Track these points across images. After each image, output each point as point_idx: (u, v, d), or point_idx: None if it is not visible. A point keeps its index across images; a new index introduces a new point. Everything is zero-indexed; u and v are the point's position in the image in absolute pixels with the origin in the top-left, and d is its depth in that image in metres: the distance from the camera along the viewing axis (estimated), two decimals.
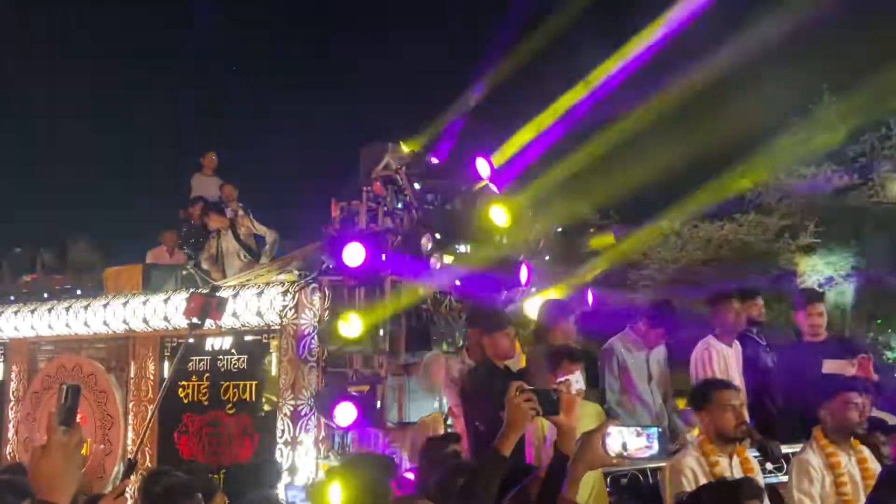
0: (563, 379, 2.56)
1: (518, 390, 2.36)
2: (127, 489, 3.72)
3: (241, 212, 8.40)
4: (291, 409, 5.83)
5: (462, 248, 6.67)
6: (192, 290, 6.62)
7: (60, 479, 1.85)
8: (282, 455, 5.81)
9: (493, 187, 7.05)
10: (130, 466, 4.15)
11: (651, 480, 4.12)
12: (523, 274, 6.26)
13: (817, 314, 5.13)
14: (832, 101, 13.03)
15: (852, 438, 3.75)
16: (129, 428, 6.74)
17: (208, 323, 6.24)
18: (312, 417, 5.79)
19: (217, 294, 5.79)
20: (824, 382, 4.06)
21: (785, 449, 4.41)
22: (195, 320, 5.62)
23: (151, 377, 6.69)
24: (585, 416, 4.20)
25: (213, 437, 6.29)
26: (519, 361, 5.30)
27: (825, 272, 11.59)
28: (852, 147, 12.27)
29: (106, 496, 2.53)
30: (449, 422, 5.55)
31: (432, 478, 2.79)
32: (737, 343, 5.14)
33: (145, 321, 6.65)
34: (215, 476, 5.82)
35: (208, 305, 5.57)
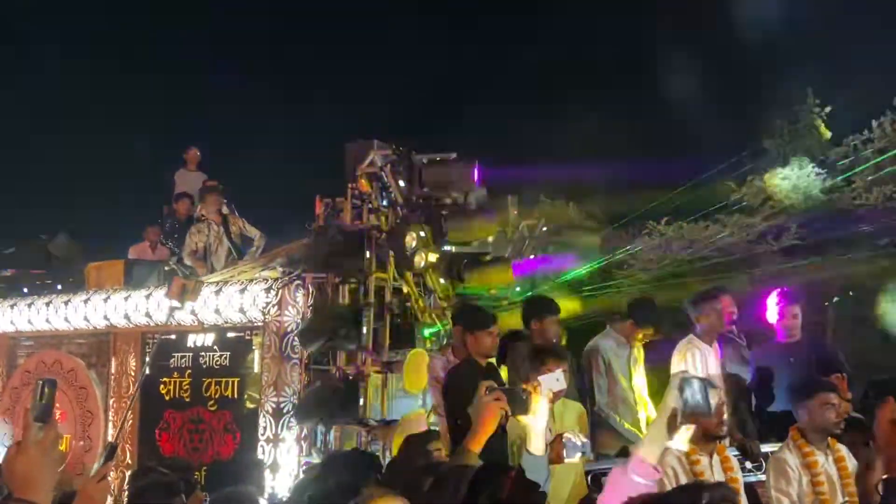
0: (534, 379, 2.56)
1: (487, 389, 2.36)
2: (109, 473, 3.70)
3: (224, 209, 8.36)
4: (274, 406, 5.81)
5: (447, 247, 6.68)
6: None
7: (36, 476, 1.82)
8: (264, 452, 5.79)
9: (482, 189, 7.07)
10: (112, 450, 4.13)
11: None
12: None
13: (792, 316, 5.17)
14: (816, 103, 13.16)
15: (829, 438, 3.79)
16: (110, 424, 6.69)
17: (191, 319, 6.22)
18: (295, 414, 5.77)
19: (195, 277, 5.80)
20: (802, 383, 4.09)
21: (764, 448, 4.46)
22: (175, 303, 5.66)
23: (133, 373, 6.64)
24: (567, 415, 4.22)
25: (195, 433, 6.26)
26: None
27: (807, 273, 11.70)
28: (835, 149, 12.39)
29: (89, 479, 2.50)
30: (433, 419, 5.55)
31: (403, 475, 2.79)
32: (716, 343, 5.18)
33: (127, 317, 6.60)
34: (197, 473, 5.79)
35: (187, 288, 5.60)
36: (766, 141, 12.73)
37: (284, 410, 5.79)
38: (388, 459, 5.22)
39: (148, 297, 6.51)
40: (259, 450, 5.81)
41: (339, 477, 3.09)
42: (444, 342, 6.20)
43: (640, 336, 5.30)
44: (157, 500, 3.22)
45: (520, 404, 2.40)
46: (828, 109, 12.77)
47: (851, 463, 3.78)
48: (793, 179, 11.30)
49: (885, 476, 2.41)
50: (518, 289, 7.27)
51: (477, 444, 2.34)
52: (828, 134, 12.70)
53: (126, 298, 6.63)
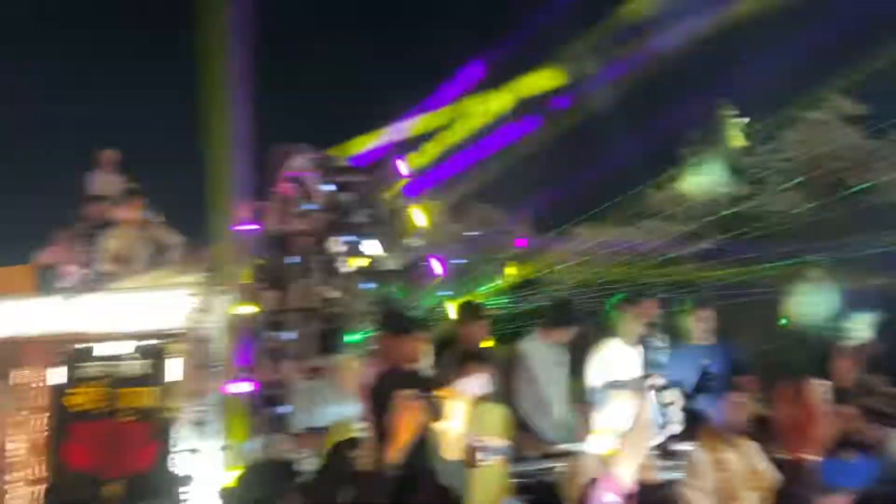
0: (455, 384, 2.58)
1: (403, 398, 2.37)
2: None
3: (144, 213, 8.08)
4: (195, 416, 5.65)
5: (372, 251, 6.65)
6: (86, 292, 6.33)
7: None
8: (182, 464, 5.62)
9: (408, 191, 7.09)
10: None
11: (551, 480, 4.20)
12: (437, 267, 6.32)
13: (705, 319, 5.37)
14: (731, 114, 13.73)
15: (739, 436, 3.95)
16: (16, 438, 6.36)
17: (107, 326, 6.00)
18: (216, 424, 5.62)
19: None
20: (712, 384, 4.26)
21: (679, 447, 4.61)
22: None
23: (42, 384, 6.33)
24: (491, 418, 4.26)
25: (110, 445, 6.01)
26: None
27: (724, 278, 12.19)
28: (747, 158, 12.97)
29: None
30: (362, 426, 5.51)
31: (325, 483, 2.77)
32: (638, 346, 5.32)
33: (35, 324, 6.29)
34: (113, 486, 5.57)
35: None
36: (683, 149, 13.23)
37: (205, 420, 5.64)
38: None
39: (60, 303, 6.23)
40: (177, 461, 5.63)
41: (256, 491, 3.03)
42: (373, 348, 6.17)
43: (559, 338, 5.38)
44: None
45: (434, 411, 2.41)
46: (743, 120, 13.36)
47: (760, 460, 3.95)
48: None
49: (783, 457, 2.52)
50: (449, 292, 7.30)
51: (395, 451, 2.34)
52: (741, 142, 13.27)
53: (35, 305, 6.33)
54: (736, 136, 13.42)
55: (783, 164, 12.35)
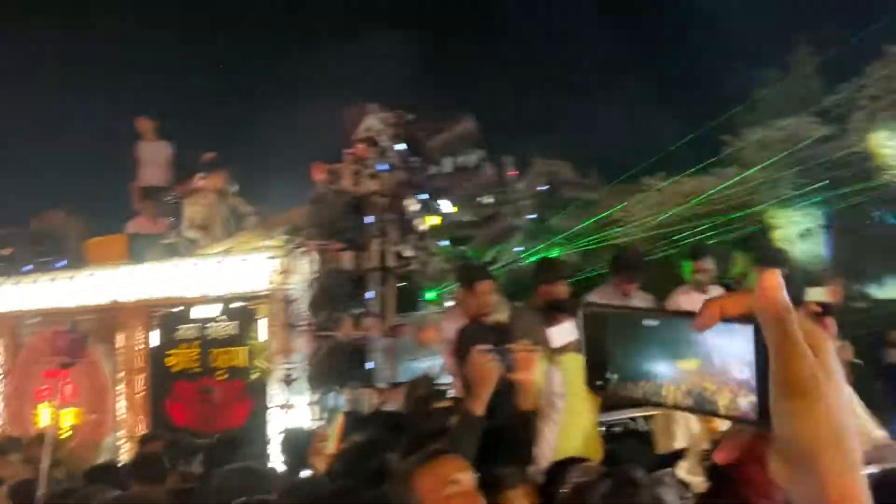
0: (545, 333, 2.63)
1: (480, 351, 2.43)
2: None
3: (225, 183, 8.21)
4: (283, 373, 5.87)
5: (447, 209, 6.68)
6: (175, 259, 6.62)
7: None
8: (275, 419, 5.86)
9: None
10: None
11: (644, 428, 4.21)
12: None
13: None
14: (808, 52, 13.06)
15: None
16: (120, 398, 6.75)
17: (196, 290, 6.22)
18: (304, 381, 5.83)
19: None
20: None
21: None
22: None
23: (140, 347, 6.68)
24: (573, 367, 4.27)
25: (206, 403, 6.32)
26: None
27: (802, 223, 11.77)
28: (829, 98, 12.34)
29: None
30: (448, 380, 5.61)
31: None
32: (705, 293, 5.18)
33: (131, 291, 6.61)
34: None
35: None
36: (760, 92, 12.67)
37: (293, 377, 5.85)
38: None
39: (151, 271, 6.52)
40: (270, 416, 5.87)
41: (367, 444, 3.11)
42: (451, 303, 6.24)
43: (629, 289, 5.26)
44: None
45: (509, 364, 2.47)
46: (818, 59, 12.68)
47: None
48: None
49: None
50: (521, 248, 7.30)
51: (477, 403, 2.39)
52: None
53: (130, 273, 6.64)
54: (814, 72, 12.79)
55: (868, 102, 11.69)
